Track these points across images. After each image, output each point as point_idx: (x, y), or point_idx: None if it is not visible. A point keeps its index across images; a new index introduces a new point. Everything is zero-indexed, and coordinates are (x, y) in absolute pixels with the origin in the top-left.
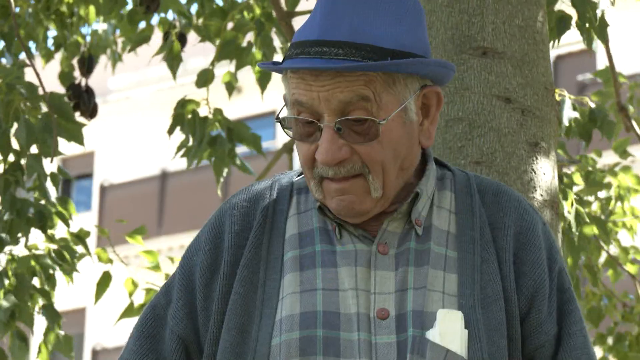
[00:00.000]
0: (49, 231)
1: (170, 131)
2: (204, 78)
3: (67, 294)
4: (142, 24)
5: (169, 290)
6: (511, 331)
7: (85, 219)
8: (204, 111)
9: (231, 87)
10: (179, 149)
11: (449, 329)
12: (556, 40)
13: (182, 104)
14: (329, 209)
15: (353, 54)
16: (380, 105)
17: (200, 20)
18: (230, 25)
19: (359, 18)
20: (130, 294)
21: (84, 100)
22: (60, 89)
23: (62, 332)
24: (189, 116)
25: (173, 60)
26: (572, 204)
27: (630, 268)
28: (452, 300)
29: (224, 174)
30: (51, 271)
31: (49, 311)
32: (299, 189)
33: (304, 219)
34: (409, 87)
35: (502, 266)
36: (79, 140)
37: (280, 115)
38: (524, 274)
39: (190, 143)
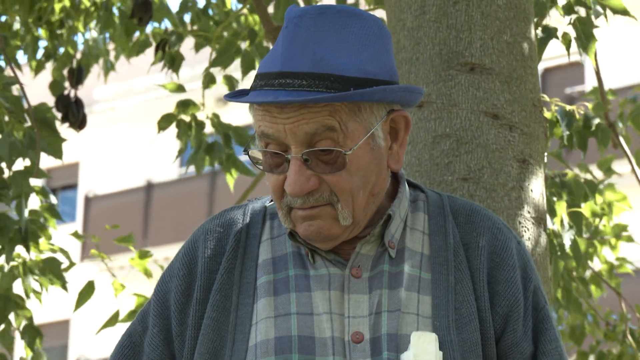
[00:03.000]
0: (34, 243)
1: (179, 136)
2: (206, 80)
3: (51, 305)
4: (137, 34)
5: (145, 317)
6: (486, 351)
7: (69, 230)
8: (200, 116)
9: (232, 88)
10: (180, 153)
11: (423, 351)
12: (542, 53)
13: (184, 103)
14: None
15: (317, 84)
16: (347, 134)
17: (195, 27)
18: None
19: (322, 47)
20: (117, 294)
21: (72, 112)
22: (50, 99)
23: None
24: (188, 119)
25: (174, 63)
26: (558, 227)
27: (613, 283)
28: (427, 322)
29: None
30: (38, 279)
31: (30, 331)
32: (272, 214)
33: (277, 243)
34: (376, 113)
35: (476, 286)
36: (59, 154)
37: (250, 148)
38: (498, 293)
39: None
